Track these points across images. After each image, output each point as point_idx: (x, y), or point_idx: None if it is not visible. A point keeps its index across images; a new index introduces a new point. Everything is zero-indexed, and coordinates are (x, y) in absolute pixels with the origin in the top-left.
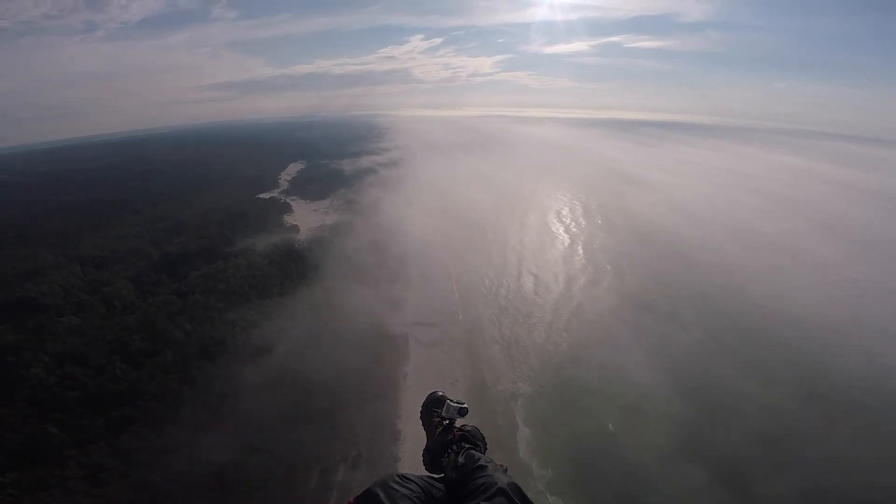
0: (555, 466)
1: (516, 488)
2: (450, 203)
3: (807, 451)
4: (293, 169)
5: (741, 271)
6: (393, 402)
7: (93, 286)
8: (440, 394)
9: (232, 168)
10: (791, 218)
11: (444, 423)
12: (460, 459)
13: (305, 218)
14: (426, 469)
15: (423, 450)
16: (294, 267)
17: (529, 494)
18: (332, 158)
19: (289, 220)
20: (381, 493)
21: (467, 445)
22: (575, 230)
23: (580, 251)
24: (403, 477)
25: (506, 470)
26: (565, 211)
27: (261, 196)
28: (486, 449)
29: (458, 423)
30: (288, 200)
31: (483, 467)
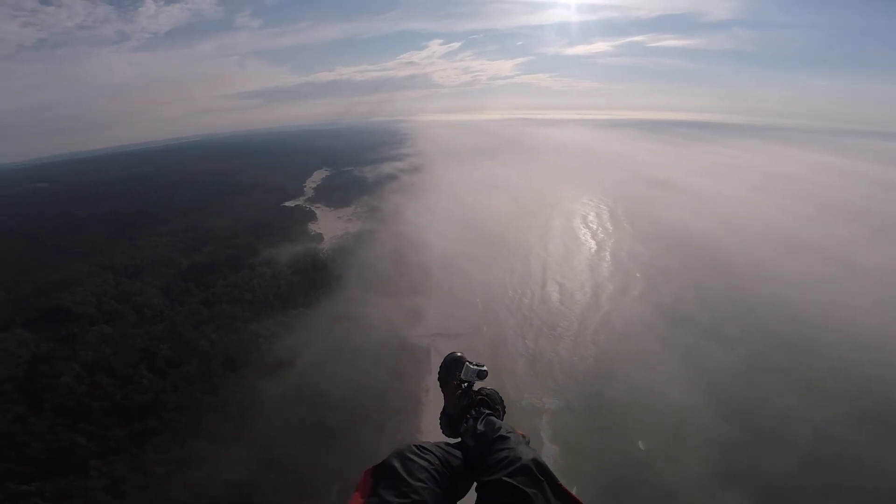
0: (584, 488)
1: (539, 464)
2: (471, 209)
3: (865, 480)
4: (318, 176)
5: (786, 282)
6: (414, 416)
7: (124, 295)
8: (458, 354)
9: (259, 176)
10: (840, 223)
11: (463, 385)
12: (479, 427)
13: (329, 226)
14: (443, 433)
15: (441, 412)
16: (318, 276)
17: None
18: (355, 165)
19: (313, 228)
20: (397, 464)
21: (487, 411)
22: (602, 236)
23: (608, 258)
24: (420, 447)
25: (528, 441)
26: (591, 216)
27: (286, 204)
28: (504, 413)
29: (477, 385)
30: (312, 208)
31: (505, 438)
